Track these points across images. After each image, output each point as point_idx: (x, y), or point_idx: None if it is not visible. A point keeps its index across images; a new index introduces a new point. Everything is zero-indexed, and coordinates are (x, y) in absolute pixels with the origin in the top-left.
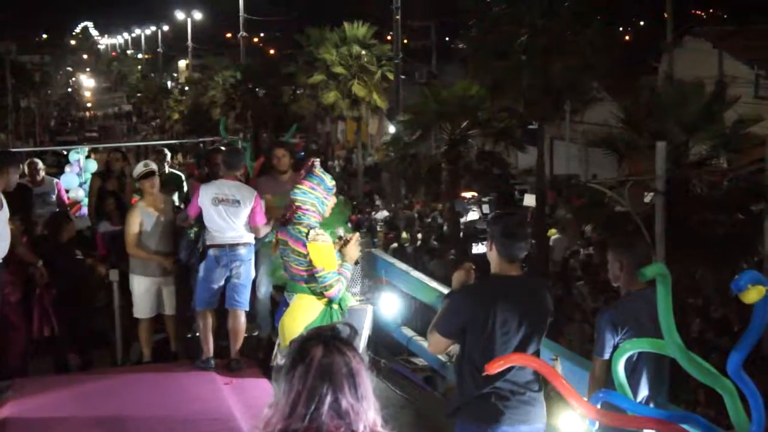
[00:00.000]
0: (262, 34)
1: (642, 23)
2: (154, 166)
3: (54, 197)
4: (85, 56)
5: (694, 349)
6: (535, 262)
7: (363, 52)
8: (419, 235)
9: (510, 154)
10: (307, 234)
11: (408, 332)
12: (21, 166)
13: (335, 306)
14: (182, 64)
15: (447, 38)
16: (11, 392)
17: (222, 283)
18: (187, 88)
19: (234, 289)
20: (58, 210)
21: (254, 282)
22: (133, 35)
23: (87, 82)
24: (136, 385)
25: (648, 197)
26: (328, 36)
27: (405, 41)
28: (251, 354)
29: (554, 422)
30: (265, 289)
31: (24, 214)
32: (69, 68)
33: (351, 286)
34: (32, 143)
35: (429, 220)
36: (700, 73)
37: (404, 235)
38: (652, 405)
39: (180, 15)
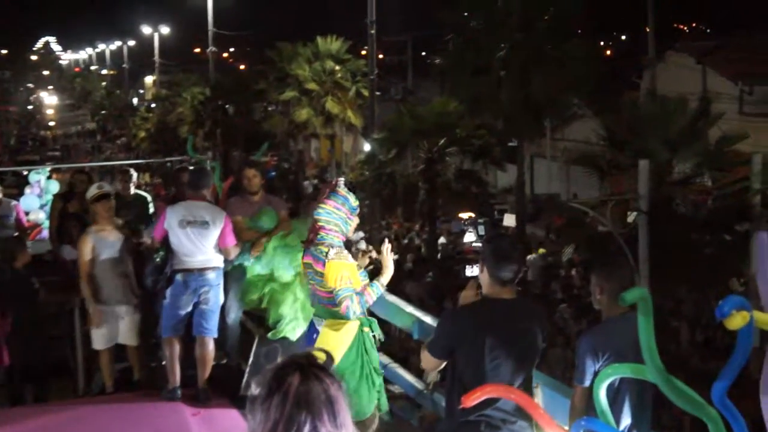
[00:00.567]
0: (232, 50)
1: (623, 37)
2: (108, 188)
3: (12, 220)
4: (46, 72)
5: (678, 375)
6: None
7: (337, 67)
8: (396, 257)
9: (489, 173)
10: (327, 254)
11: (383, 358)
12: None
13: (366, 329)
14: (149, 80)
15: (423, 53)
16: None
17: (190, 309)
18: (153, 105)
19: (202, 316)
20: (13, 235)
21: (223, 307)
22: (98, 50)
23: (49, 99)
24: (97, 417)
25: (631, 217)
26: (300, 51)
27: (380, 56)
28: (220, 383)
29: None
30: (234, 315)
31: None
32: (30, 84)
33: None
34: None
35: (406, 241)
36: (684, 89)
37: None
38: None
39: (146, 29)
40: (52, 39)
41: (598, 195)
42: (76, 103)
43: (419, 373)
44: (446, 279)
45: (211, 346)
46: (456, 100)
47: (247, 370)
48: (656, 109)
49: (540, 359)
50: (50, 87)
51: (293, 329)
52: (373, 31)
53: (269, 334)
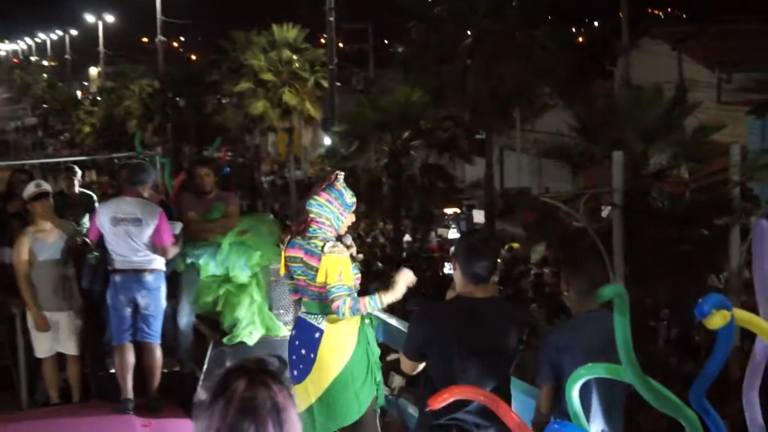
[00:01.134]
0: (182, 39)
1: (596, 24)
2: (47, 187)
3: None
4: None
5: (656, 375)
6: None
7: (294, 56)
8: (360, 256)
9: (456, 167)
10: (323, 247)
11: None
12: None
13: (367, 321)
14: (93, 71)
15: (386, 41)
16: None
17: (131, 312)
18: (99, 99)
19: (143, 320)
20: None
21: (175, 311)
22: (38, 40)
23: None
24: (41, 431)
25: (605, 211)
26: (255, 40)
27: (340, 45)
28: (172, 391)
29: None
30: (187, 319)
31: None
32: None
33: (283, 314)
34: None
35: (370, 239)
36: (659, 77)
37: None
38: None
39: (90, 18)
40: None
41: (571, 189)
42: (15, 97)
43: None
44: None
45: (156, 352)
46: (420, 91)
47: (201, 377)
48: (630, 99)
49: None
50: None
51: (250, 333)
52: (332, 18)
53: (224, 339)
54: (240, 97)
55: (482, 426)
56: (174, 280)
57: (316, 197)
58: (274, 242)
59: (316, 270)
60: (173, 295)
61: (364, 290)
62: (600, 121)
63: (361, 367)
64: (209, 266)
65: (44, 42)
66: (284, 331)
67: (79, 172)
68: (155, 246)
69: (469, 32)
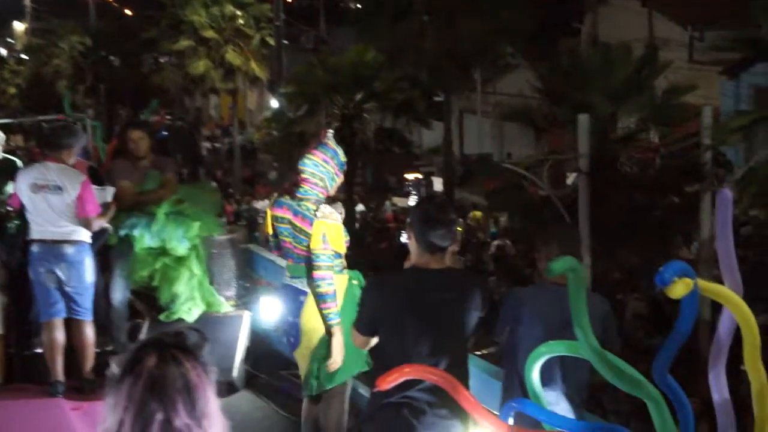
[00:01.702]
0: None
1: None
2: None
3: None
4: None
5: (623, 351)
6: None
7: (238, 12)
8: None
9: (413, 131)
10: (316, 211)
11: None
12: None
13: (355, 282)
14: (19, 27)
15: None
16: None
17: (56, 286)
18: (25, 57)
19: (69, 296)
20: None
21: (108, 286)
22: None
23: None
24: None
25: (570, 178)
26: None
27: (287, 0)
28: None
29: None
30: (120, 295)
31: None
32: None
33: (225, 288)
34: None
35: None
36: (628, 35)
37: None
38: (569, 416)
39: None
40: None
41: (534, 154)
42: None
43: None
44: (358, 250)
45: (87, 330)
46: (374, 50)
47: None
48: (598, 58)
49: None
50: None
51: (189, 310)
52: None
53: (162, 316)
54: (179, 56)
55: (435, 405)
56: (106, 253)
57: (310, 156)
58: (214, 212)
59: (305, 234)
60: (106, 269)
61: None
62: (565, 82)
63: (347, 330)
64: (144, 238)
65: None
66: (226, 307)
67: (2, 137)
68: (78, 216)
69: None
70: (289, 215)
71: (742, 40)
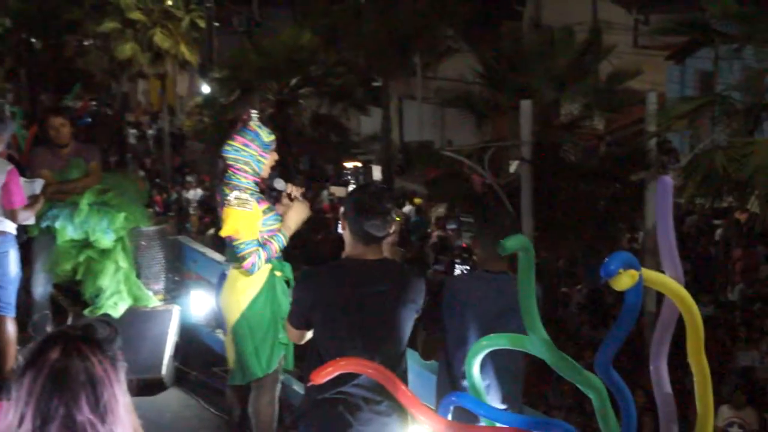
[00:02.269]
0: None
1: None
2: None
3: None
4: None
5: (566, 344)
6: None
7: None
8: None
9: (350, 118)
10: (229, 196)
11: (224, 337)
12: None
13: (278, 273)
14: None
15: None
16: None
17: None
18: None
19: None
20: None
21: (28, 280)
22: None
23: None
24: None
25: (512, 166)
26: None
27: None
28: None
29: None
30: (42, 289)
31: None
32: None
33: (153, 282)
34: None
35: None
36: (571, 18)
37: None
38: (506, 407)
39: None
40: None
41: (476, 142)
42: None
43: None
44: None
45: (9, 326)
46: (310, 32)
47: None
48: (540, 42)
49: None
50: None
51: (115, 304)
52: None
53: (86, 311)
54: (105, 39)
55: (372, 401)
56: (27, 245)
57: (230, 142)
58: (141, 202)
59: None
60: (26, 263)
61: None
62: (507, 66)
63: (261, 320)
64: (67, 230)
65: None
66: (154, 301)
67: None
68: (2, 208)
69: None
70: (219, 199)
71: (687, 24)
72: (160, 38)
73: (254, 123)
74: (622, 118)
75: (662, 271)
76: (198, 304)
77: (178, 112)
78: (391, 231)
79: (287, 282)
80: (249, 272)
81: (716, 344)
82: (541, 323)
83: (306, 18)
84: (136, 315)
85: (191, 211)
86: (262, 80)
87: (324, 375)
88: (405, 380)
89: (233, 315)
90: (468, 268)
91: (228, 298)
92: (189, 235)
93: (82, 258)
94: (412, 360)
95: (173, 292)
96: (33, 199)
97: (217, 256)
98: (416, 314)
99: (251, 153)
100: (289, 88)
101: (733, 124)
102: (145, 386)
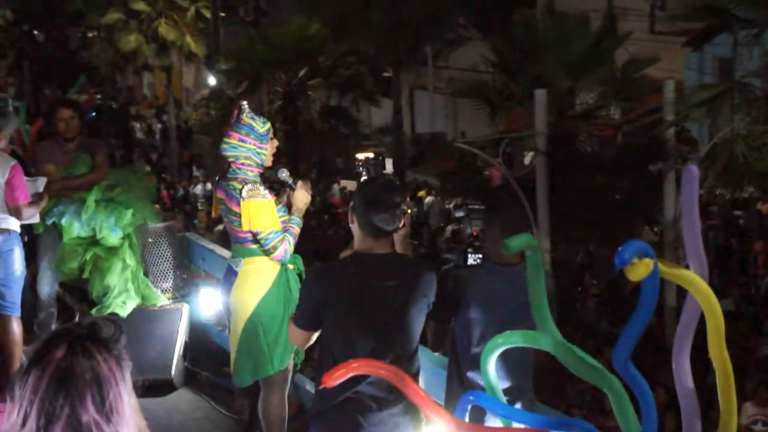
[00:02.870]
0: None
1: None
2: None
3: None
4: None
5: (585, 340)
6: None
7: None
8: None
9: (360, 109)
10: (241, 191)
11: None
12: None
13: (290, 267)
14: None
15: None
16: None
17: None
18: None
19: None
20: None
21: (34, 279)
22: None
23: None
24: None
25: (527, 158)
26: None
27: None
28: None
29: None
30: (48, 288)
31: None
32: None
33: (161, 280)
34: None
35: None
36: (586, 5)
37: None
38: (518, 406)
39: None
40: None
41: (489, 133)
42: None
43: None
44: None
45: (14, 326)
46: (318, 22)
47: None
48: (554, 30)
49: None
50: None
51: (123, 303)
52: None
53: (93, 311)
54: (109, 31)
55: (384, 401)
56: (32, 243)
57: (226, 139)
58: (149, 198)
59: (236, 215)
60: (32, 261)
61: None
62: (520, 55)
63: (275, 314)
64: (73, 227)
65: None
66: (163, 300)
67: None
68: (6, 205)
69: None
70: (223, 197)
71: (705, 9)
72: (165, 29)
73: (246, 115)
74: (639, 107)
75: (684, 265)
76: (207, 302)
77: (185, 105)
78: (401, 225)
79: (300, 275)
80: (281, 262)
81: (739, 338)
82: (556, 320)
83: (313, 7)
84: (144, 314)
85: (198, 207)
86: (270, 72)
87: (336, 377)
88: (417, 377)
89: (246, 312)
90: (480, 256)
91: (240, 295)
92: (197, 231)
93: (88, 256)
94: (425, 358)
95: (182, 290)
96: (37, 197)
97: (226, 253)
98: (428, 309)
99: (249, 147)
100: (297, 80)
101: (753, 112)
102: (154, 387)
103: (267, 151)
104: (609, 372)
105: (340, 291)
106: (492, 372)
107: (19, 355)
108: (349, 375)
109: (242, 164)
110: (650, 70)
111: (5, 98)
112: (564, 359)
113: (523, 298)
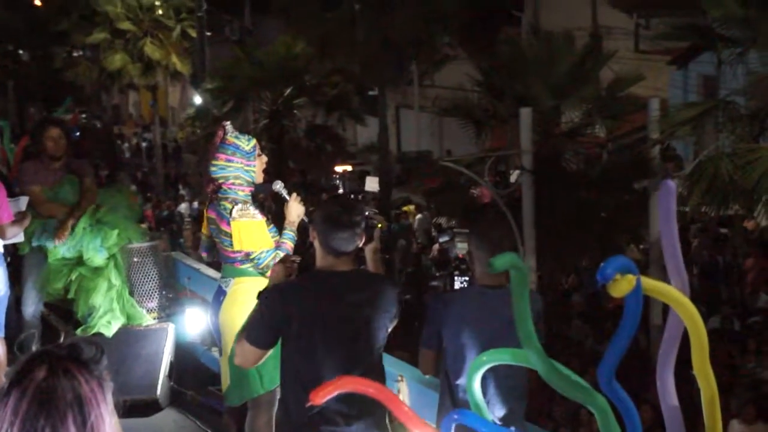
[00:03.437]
0: None
1: None
2: None
3: None
4: None
5: (571, 359)
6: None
7: (156, 2)
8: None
9: (346, 128)
10: (232, 210)
11: (219, 357)
12: None
13: None
14: None
15: None
16: None
17: None
18: None
19: None
20: None
21: (19, 300)
22: None
23: None
24: None
25: (513, 176)
26: None
27: None
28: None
29: None
30: (33, 308)
31: None
32: None
33: (147, 299)
34: None
35: None
36: (570, 23)
37: None
38: (512, 428)
39: None
40: None
41: (475, 151)
42: None
43: None
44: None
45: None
46: (303, 41)
47: None
48: (539, 48)
49: (402, 347)
50: None
51: (108, 323)
52: None
53: (78, 331)
54: (94, 50)
55: (349, 416)
56: (17, 263)
57: (214, 161)
58: (134, 218)
59: (227, 234)
60: (17, 281)
61: None
62: (506, 73)
63: None
64: (59, 248)
65: None
66: (148, 320)
67: None
68: None
69: None
70: (214, 216)
71: (689, 28)
72: (150, 49)
73: (230, 135)
74: (624, 125)
75: (669, 282)
76: (193, 321)
77: (171, 124)
78: (361, 244)
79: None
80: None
81: (725, 356)
82: (545, 340)
83: (299, 26)
84: (129, 334)
85: (184, 226)
86: (256, 90)
87: (324, 394)
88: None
89: (235, 332)
90: (467, 279)
91: (229, 314)
92: (183, 250)
93: (74, 276)
94: (413, 378)
95: (167, 309)
96: (20, 215)
97: (212, 273)
98: (391, 323)
99: (237, 166)
100: (283, 98)
101: (737, 129)
102: (139, 407)
103: (256, 168)
104: (595, 390)
105: (305, 307)
106: (477, 390)
107: (1, 377)
108: (338, 391)
109: (232, 184)
110: (635, 89)
111: None
112: (549, 378)
113: (510, 319)
